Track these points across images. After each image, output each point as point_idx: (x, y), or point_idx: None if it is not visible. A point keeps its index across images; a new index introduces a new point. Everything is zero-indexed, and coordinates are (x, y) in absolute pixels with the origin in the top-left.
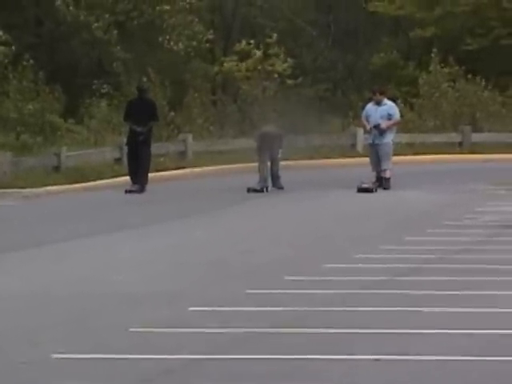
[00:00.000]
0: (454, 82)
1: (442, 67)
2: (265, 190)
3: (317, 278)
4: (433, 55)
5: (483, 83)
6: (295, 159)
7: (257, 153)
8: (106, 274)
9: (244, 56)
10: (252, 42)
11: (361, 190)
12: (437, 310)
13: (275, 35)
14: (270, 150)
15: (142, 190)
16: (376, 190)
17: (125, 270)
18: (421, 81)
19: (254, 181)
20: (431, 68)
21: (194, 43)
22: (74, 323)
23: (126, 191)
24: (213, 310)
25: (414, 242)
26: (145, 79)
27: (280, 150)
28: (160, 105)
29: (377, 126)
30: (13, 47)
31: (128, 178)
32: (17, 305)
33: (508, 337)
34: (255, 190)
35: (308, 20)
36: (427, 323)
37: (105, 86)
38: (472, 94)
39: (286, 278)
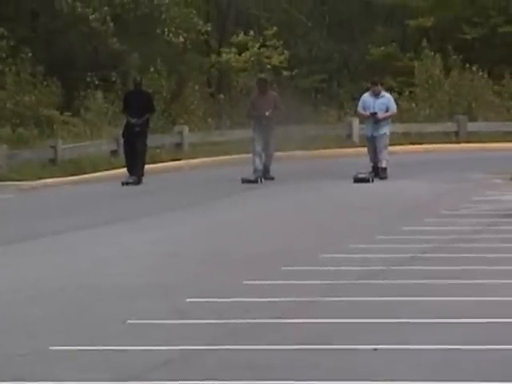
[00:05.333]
0: (450, 71)
1: (434, 55)
2: (259, 180)
3: (314, 268)
4: (423, 44)
5: (480, 73)
6: (291, 150)
7: (251, 144)
8: (101, 266)
9: (241, 48)
10: (251, 33)
11: (357, 180)
12: (435, 299)
13: (274, 28)
14: (264, 140)
15: (138, 181)
16: (372, 180)
17: (121, 262)
18: (416, 70)
19: (249, 172)
20: (423, 56)
21: (193, 36)
22: (71, 315)
23: (123, 183)
24: (210, 302)
25: (410, 231)
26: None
27: (273, 142)
28: (159, 97)
29: (373, 114)
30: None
31: (124, 169)
32: (13, 297)
33: (507, 325)
34: (249, 181)
35: (303, 11)
36: (425, 312)
37: (99, 78)
38: (467, 84)
39: (283, 268)
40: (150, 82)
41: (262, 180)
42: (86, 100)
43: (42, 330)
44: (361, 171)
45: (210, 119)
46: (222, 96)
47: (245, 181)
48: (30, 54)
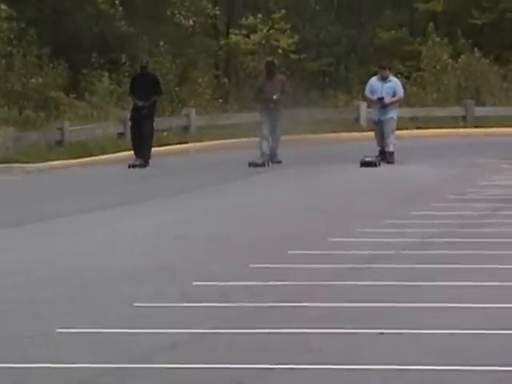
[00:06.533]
0: (459, 55)
1: (442, 39)
2: (266, 164)
3: (321, 252)
4: (429, 29)
5: (490, 58)
6: (298, 133)
7: (258, 127)
8: (108, 248)
9: (250, 30)
10: (260, 16)
11: (364, 163)
12: (443, 283)
13: (283, 11)
14: (271, 123)
15: (145, 164)
16: (379, 164)
17: (127, 245)
18: (422, 55)
19: (256, 155)
20: (429, 41)
21: (201, 19)
22: (78, 298)
23: (130, 166)
24: (217, 285)
25: (418, 216)
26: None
27: (280, 125)
28: (166, 79)
29: (380, 99)
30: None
31: (131, 152)
32: (20, 279)
33: None
34: (257, 165)
35: None
36: (433, 297)
37: (106, 60)
38: (475, 69)
39: (290, 252)
40: (156, 66)
41: (269, 163)
42: (93, 82)
43: (49, 312)
44: (368, 155)
45: (218, 101)
46: (226, 80)
47: (252, 164)
48: (35, 37)
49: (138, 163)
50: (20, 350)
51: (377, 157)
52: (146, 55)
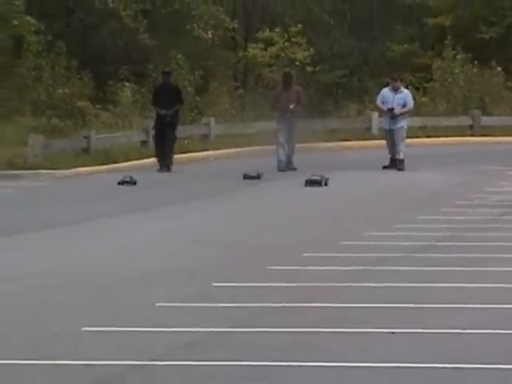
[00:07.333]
0: (463, 67)
1: (455, 54)
2: (260, 177)
3: (334, 255)
4: (446, 42)
5: (498, 69)
6: (312, 142)
7: (275, 135)
8: (129, 252)
9: (267, 43)
10: (276, 29)
11: (309, 182)
12: (450, 285)
13: (299, 25)
14: (287, 132)
15: (168, 170)
16: (326, 184)
17: (148, 248)
18: (434, 66)
19: (270, 163)
20: (444, 54)
21: (220, 32)
22: (103, 299)
23: (119, 183)
24: (236, 286)
25: (427, 220)
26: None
27: (296, 134)
28: (186, 90)
29: (391, 110)
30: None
31: (154, 159)
32: (46, 281)
33: None
34: (251, 177)
35: (325, 9)
36: (443, 298)
37: (130, 72)
38: (481, 80)
39: (305, 254)
40: (178, 77)
41: (262, 176)
42: (117, 93)
43: (74, 312)
44: (314, 174)
45: (236, 111)
46: (241, 91)
47: (247, 177)
48: (64, 49)
49: (162, 171)
50: (48, 348)
51: (322, 176)
52: (168, 66)
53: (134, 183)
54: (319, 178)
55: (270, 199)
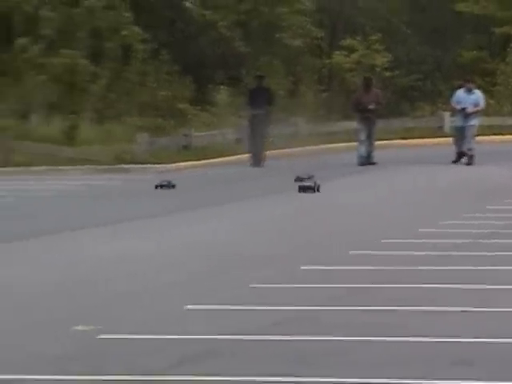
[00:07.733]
0: None
1: None
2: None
3: (411, 241)
4: (509, 49)
5: None
6: (390, 139)
7: (357, 134)
8: (224, 237)
9: (350, 51)
10: (358, 38)
11: (302, 188)
12: None
13: (378, 34)
14: (368, 130)
15: (260, 165)
16: (318, 190)
17: (242, 234)
18: (498, 71)
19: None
20: (507, 60)
21: (308, 40)
22: (201, 280)
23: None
24: (322, 269)
25: (494, 210)
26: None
27: (374, 131)
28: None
29: (464, 109)
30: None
31: (247, 155)
32: (149, 265)
33: None
34: (302, 181)
35: (402, 20)
36: (509, 280)
37: (227, 77)
38: None
39: (383, 241)
40: (271, 81)
41: (319, 187)
42: (213, 95)
43: (176, 292)
44: (306, 180)
45: (322, 111)
46: (326, 94)
47: (301, 187)
48: (167, 56)
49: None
50: (155, 324)
51: (314, 182)
52: (259, 71)
53: (173, 187)
54: (312, 185)
55: (359, 189)
